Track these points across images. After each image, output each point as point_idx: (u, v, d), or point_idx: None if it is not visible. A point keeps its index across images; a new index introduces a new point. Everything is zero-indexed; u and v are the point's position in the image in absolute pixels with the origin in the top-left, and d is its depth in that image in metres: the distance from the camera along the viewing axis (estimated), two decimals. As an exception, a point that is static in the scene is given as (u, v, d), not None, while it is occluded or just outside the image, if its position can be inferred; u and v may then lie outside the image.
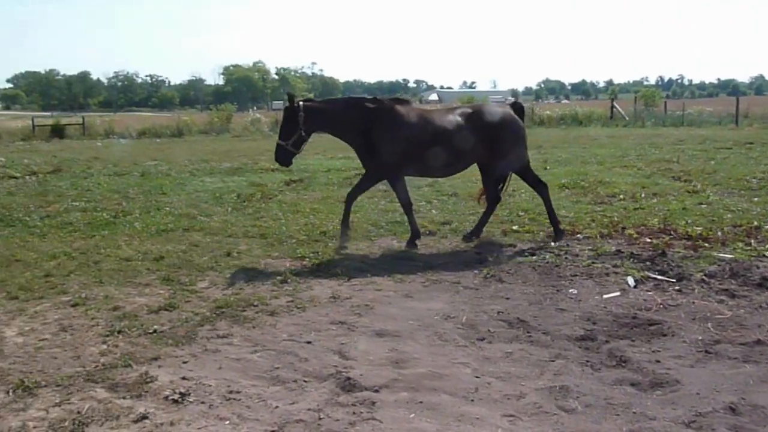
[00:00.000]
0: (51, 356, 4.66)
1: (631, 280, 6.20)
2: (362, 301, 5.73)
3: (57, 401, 3.95)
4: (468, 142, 7.59)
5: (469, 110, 7.93)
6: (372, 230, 8.47)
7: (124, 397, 3.99)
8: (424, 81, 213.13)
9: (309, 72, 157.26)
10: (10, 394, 4.05)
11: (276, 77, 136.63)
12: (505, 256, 7.18)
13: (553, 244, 7.59)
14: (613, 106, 37.70)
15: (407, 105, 7.96)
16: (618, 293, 5.86)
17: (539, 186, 8.17)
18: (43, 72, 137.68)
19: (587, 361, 4.49)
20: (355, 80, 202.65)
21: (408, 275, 6.51)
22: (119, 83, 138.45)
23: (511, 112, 8.01)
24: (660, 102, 39.40)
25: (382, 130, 7.46)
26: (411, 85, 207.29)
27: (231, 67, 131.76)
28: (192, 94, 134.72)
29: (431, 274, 6.51)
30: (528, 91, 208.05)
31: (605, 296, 5.80)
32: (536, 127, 33.24)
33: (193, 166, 16.80)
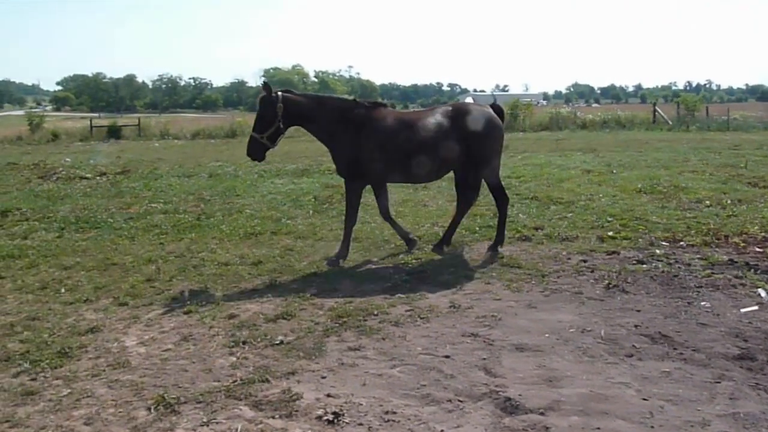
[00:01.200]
0: (180, 368, 4.32)
1: (763, 293, 5.67)
2: (486, 312, 5.30)
3: (204, 420, 3.60)
4: (448, 144, 6.92)
5: (450, 110, 7.16)
6: (466, 235, 8.02)
7: (273, 417, 3.63)
8: (457, 84, 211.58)
9: (346, 75, 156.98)
10: (152, 411, 3.71)
11: (315, 80, 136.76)
12: (614, 264, 6.68)
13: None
14: (655, 111, 36.69)
15: (385, 109, 7.21)
16: (756, 307, 5.34)
17: (502, 197, 7.42)
18: (90, 75, 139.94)
19: (757, 384, 4.00)
20: (390, 83, 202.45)
21: (521, 283, 6.06)
22: (163, 86, 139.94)
23: (492, 113, 7.27)
24: (701, 107, 38.19)
25: (361, 133, 6.81)
26: (445, 88, 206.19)
27: (271, 70, 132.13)
28: (235, 96, 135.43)
29: (546, 283, 6.06)
30: (558, 94, 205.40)
31: (743, 310, 5.29)
32: (579, 131, 32.52)
33: (259, 167, 16.45)
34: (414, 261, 6.96)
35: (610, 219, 8.78)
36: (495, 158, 7.27)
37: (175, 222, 9.23)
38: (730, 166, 14.41)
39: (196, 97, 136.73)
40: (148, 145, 27.65)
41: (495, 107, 7.39)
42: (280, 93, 6.76)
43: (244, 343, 4.68)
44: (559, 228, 8.28)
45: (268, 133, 6.78)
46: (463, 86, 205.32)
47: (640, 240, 7.65)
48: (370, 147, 6.81)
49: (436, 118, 6.98)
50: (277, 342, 4.68)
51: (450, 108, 7.20)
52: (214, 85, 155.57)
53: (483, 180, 7.38)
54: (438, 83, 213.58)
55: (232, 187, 12.69)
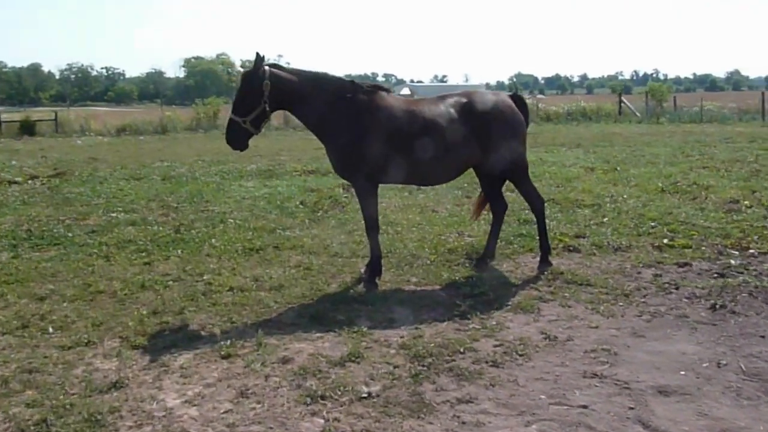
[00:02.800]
0: (259, 438, 3.61)
1: None
2: (591, 344, 4.79)
3: None
4: (464, 138, 6.29)
5: (463, 99, 6.46)
6: (505, 247, 7.51)
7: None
8: (393, 75, 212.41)
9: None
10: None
11: (241, 70, 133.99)
12: (694, 279, 6.31)
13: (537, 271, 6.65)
14: (621, 102, 37.33)
15: (388, 95, 6.39)
16: None
17: (536, 200, 6.83)
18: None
19: None
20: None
21: (607, 305, 5.59)
22: (73, 76, 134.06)
23: (511, 103, 6.67)
24: (669, 97, 39.16)
25: (361, 123, 6.05)
26: (380, 78, 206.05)
27: (193, 59, 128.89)
28: (152, 88, 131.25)
29: (636, 305, 5.61)
30: (500, 85, 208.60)
31: None
32: (545, 123, 32.71)
33: (214, 168, 15.59)
34: (461, 279, 6.40)
35: (653, 224, 8.44)
36: (520, 153, 6.71)
37: (151, 236, 8.34)
38: (739, 161, 14.48)
39: (108, 88, 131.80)
40: (69, 143, 26.05)
41: (515, 97, 6.86)
42: (267, 68, 5.95)
43: (321, 397, 3.99)
44: (603, 236, 7.87)
45: (252, 117, 5.95)
46: (399, 76, 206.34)
47: (703, 248, 7.33)
48: (373, 139, 6.08)
49: (447, 108, 6.33)
50: (364, 395, 4.02)
51: (463, 96, 6.53)
52: (128, 76, 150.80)
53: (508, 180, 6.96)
54: (373, 73, 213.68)
55: (197, 192, 11.80)
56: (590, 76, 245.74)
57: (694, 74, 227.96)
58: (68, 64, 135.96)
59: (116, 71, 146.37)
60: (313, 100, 6.11)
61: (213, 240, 8.09)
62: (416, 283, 6.39)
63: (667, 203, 9.82)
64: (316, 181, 12.98)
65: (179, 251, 7.64)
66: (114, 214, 9.85)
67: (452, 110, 6.32)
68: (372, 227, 6.34)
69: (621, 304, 5.65)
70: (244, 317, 5.46)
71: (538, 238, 6.92)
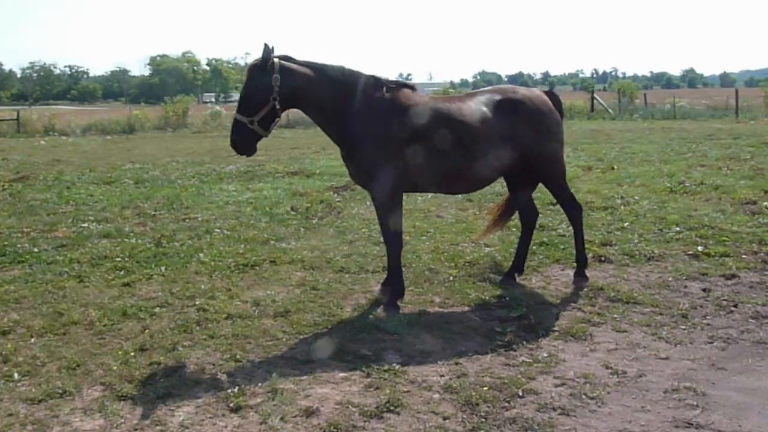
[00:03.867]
0: None
1: None
2: (669, 381, 4.02)
3: None
4: (500, 141, 5.49)
5: (497, 96, 5.64)
6: (529, 258, 6.73)
7: None
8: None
9: (242, 63, 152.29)
10: None
11: (207, 68, 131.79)
12: (748, 293, 5.61)
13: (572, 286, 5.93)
14: (594, 99, 37.02)
15: (413, 93, 5.49)
16: None
17: (573, 206, 6.07)
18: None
19: None
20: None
21: (668, 329, 4.84)
22: (35, 75, 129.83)
23: (547, 100, 5.92)
24: (639, 94, 39.04)
25: (388, 123, 5.22)
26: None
27: (158, 58, 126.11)
28: (116, 86, 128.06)
29: (701, 327, 4.88)
30: (464, 83, 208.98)
31: None
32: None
33: (190, 169, 14.57)
34: (491, 298, 5.60)
35: (677, 229, 7.75)
36: (559, 156, 5.96)
37: (129, 250, 7.38)
38: (733, 158, 13.97)
39: (71, 87, 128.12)
40: (32, 144, 24.67)
41: (551, 95, 6.08)
42: (277, 60, 5.09)
43: (367, 468, 3.16)
44: (630, 243, 7.17)
45: (259, 116, 5.06)
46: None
47: (743, 257, 6.65)
48: (400, 142, 5.24)
49: (480, 106, 5.52)
50: (418, 463, 3.19)
51: (496, 93, 5.71)
52: (92, 74, 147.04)
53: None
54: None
55: (174, 197, 10.82)
56: (552, 73, 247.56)
57: (651, 72, 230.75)
58: (30, 63, 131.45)
59: (80, 69, 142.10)
60: (330, 98, 5.24)
61: (200, 254, 7.17)
62: (441, 303, 5.57)
63: (682, 205, 9.15)
64: (302, 183, 12.06)
65: (163, 268, 6.71)
66: (85, 225, 8.84)
67: (485, 109, 5.51)
68: (395, 243, 5.49)
69: (683, 327, 4.90)
70: (250, 353, 4.58)
71: (574, 250, 6.17)
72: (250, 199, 10.58)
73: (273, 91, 5.02)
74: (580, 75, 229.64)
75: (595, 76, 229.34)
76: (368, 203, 9.72)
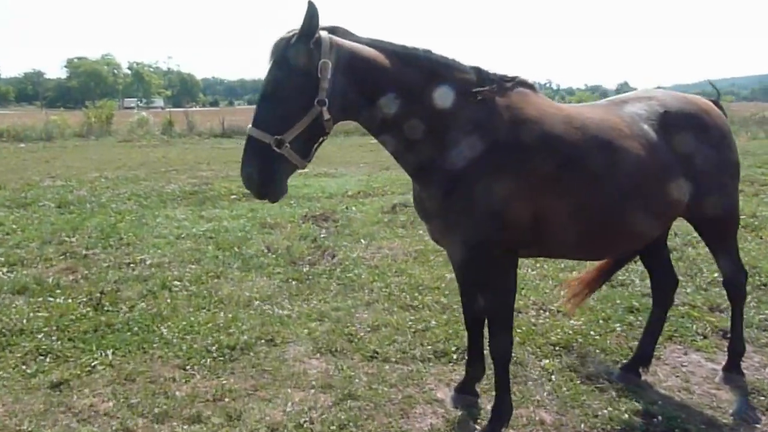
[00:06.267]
0: None
1: None
2: None
3: None
4: (668, 173, 3.59)
5: (657, 107, 3.73)
6: (616, 328, 4.93)
7: None
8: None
9: (164, 67, 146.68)
10: None
11: (128, 71, 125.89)
12: None
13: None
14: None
15: (536, 96, 3.47)
16: None
17: (738, 273, 4.23)
18: None
19: None
20: (214, 77, 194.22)
21: None
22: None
23: (721, 114, 4.07)
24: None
25: (505, 146, 3.20)
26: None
27: (75, 60, 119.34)
28: (30, 89, 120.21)
29: None
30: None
31: None
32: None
33: (123, 189, 12.09)
34: (631, 415, 3.70)
35: None
36: (736, 196, 4.09)
37: (56, 319, 5.13)
38: (747, 181, 12.68)
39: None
40: (-70, 151, 21.33)
41: (717, 104, 4.15)
42: (326, 35, 3.01)
43: None
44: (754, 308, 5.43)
45: (295, 133, 2.95)
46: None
47: None
48: (525, 176, 3.21)
49: (637, 121, 3.60)
50: None
51: (654, 102, 3.77)
52: (3, 76, 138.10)
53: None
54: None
55: (110, 228, 8.49)
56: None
57: (586, 85, 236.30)
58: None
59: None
60: (415, 101, 3.17)
61: (162, 327, 5.01)
62: (557, 426, 3.65)
63: (746, 245, 7.58)
64: (267, 209, 9.88)
65: (109, 353, 4.54)
66: (-10, 271, 6.48)
67: (646, 126, 3.62)
68: (505, 346, 3.51)
69: None
70: None
71: (729, 335, 4.43)
72: (208, 232, 8.37)
73: (320, 90, 2.97)
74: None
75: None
76: (364, 241, 7.73)
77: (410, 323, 5.11)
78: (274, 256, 7.14)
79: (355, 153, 19.10)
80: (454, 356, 4.51)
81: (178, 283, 6.16)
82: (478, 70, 3.31)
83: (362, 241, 7.73)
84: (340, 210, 9.56)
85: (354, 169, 14.86)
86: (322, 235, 8.01)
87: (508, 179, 3.17)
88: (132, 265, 6.80)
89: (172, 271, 6.58)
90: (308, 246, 7.51)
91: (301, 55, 2.93)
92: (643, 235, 3.71)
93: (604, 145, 3.38)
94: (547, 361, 4.42)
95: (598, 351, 4.60)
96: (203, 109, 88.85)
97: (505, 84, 3.33)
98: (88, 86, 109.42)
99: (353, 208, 9.51)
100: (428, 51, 3.23)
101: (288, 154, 2.96)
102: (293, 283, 6.20)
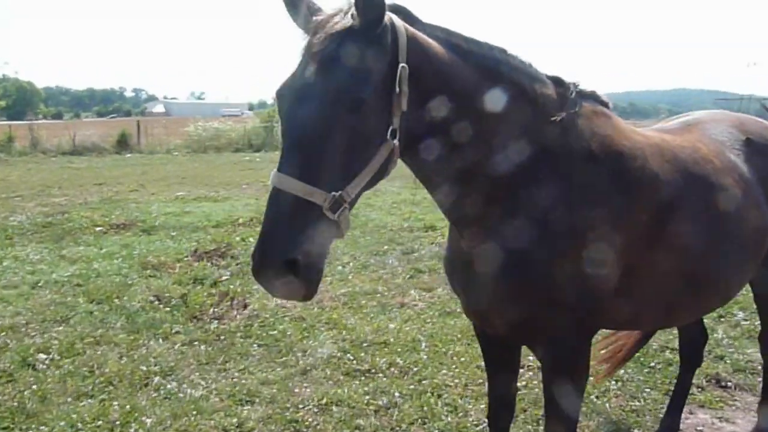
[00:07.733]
0: None
1: None
2: None
3: None
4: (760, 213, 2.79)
5: (735, 132, 2.94)
6: (649, 399, 4.13)
7: None
8: (144, 90, 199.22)
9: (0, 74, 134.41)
10: None
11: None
12: None
13: None
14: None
15: (617, 121, 2.51)
16: None
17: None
18: None
19: None
20: (58, 86, 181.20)
21: None
22: None
23: None
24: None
25: (590, 187, 2.27)
26: (128, 94, 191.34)
27: None
28: None
29: None
30: (262, 104, 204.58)
31: None
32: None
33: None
34: None
35: None
36: None
37: None
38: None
39: None
40: None
41: None
42: (399, 23, 1.90)
43: None
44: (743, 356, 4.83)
45: (363, 183, 1.88)
46: (150, 92, 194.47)
47: None
48: (618, 225, 2.28)
49: (722, 148, 2.78)
50: None
51: (732, 127, 2.96)
52: None
53: None
54: (120, 88, 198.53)
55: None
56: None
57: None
58: None
59: None
60: (497, 127, 2.14)
61: (39, 427, 3.60)
62: None
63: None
64: (144, 245, 8.33)
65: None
66: None
67: (732, 156, 2.78)
68: None
69: None
70: None
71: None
72: (74, 277, 6.78)
73: (394, 114, 1.88)
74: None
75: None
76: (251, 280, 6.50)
77: (367, 398, 4.04)
78: (167, 309, 5.76)
79: (232, 172, 17.45)
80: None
81: (44, 356, 4.69)
82: (557, 80, 2.32)
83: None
84: (235, 242, 8.20)
85: (237, 191, 13.39)
86: (223, 278, 6.68)
87: (606, 232, 2.22)
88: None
89: (33, 337, 5.07)
90: (208, 293, 6.18)
91: (373, 57, 1.82)
92: (739, 286, 2.93)
93: (700, 182, 2.53)
94: None
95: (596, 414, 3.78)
96: (46, 121, 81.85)
97: (585, 101, 2.36)
98: None
99: (250, 240, 8.18)
100: (504, 49, 2.22)
101: (344, 220, 1.84)
102: (200, 346, 4.91)
